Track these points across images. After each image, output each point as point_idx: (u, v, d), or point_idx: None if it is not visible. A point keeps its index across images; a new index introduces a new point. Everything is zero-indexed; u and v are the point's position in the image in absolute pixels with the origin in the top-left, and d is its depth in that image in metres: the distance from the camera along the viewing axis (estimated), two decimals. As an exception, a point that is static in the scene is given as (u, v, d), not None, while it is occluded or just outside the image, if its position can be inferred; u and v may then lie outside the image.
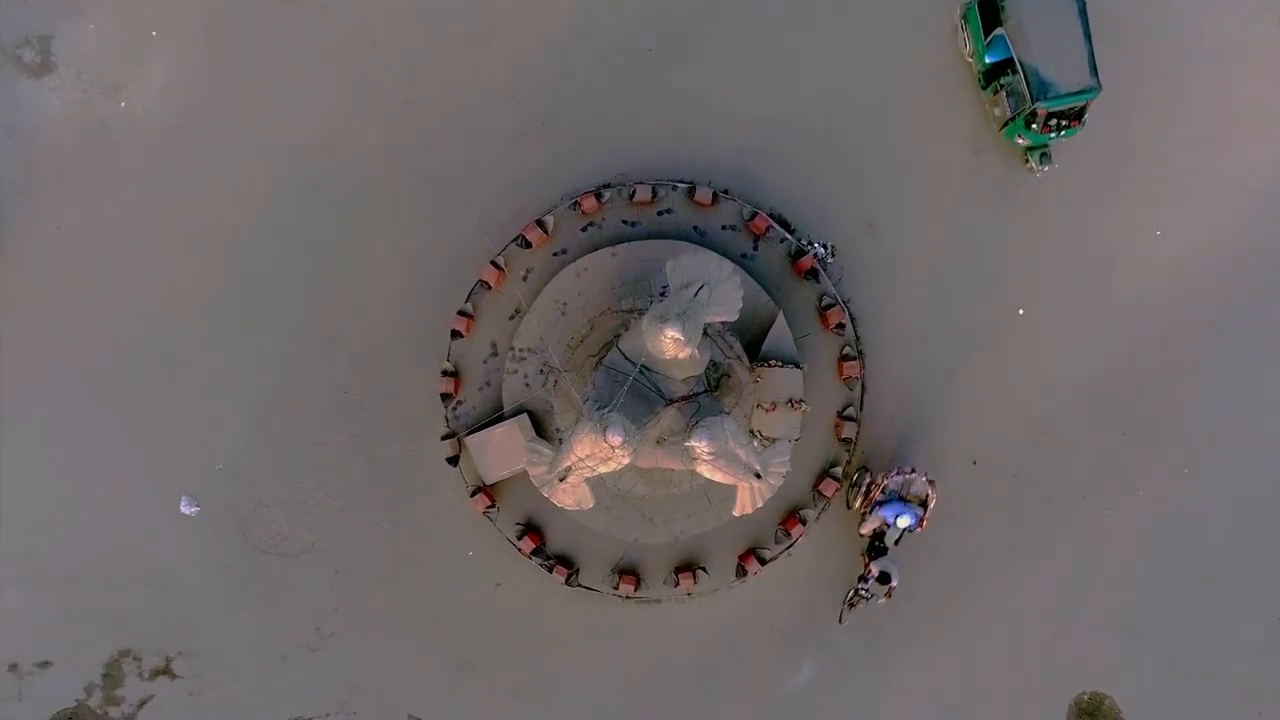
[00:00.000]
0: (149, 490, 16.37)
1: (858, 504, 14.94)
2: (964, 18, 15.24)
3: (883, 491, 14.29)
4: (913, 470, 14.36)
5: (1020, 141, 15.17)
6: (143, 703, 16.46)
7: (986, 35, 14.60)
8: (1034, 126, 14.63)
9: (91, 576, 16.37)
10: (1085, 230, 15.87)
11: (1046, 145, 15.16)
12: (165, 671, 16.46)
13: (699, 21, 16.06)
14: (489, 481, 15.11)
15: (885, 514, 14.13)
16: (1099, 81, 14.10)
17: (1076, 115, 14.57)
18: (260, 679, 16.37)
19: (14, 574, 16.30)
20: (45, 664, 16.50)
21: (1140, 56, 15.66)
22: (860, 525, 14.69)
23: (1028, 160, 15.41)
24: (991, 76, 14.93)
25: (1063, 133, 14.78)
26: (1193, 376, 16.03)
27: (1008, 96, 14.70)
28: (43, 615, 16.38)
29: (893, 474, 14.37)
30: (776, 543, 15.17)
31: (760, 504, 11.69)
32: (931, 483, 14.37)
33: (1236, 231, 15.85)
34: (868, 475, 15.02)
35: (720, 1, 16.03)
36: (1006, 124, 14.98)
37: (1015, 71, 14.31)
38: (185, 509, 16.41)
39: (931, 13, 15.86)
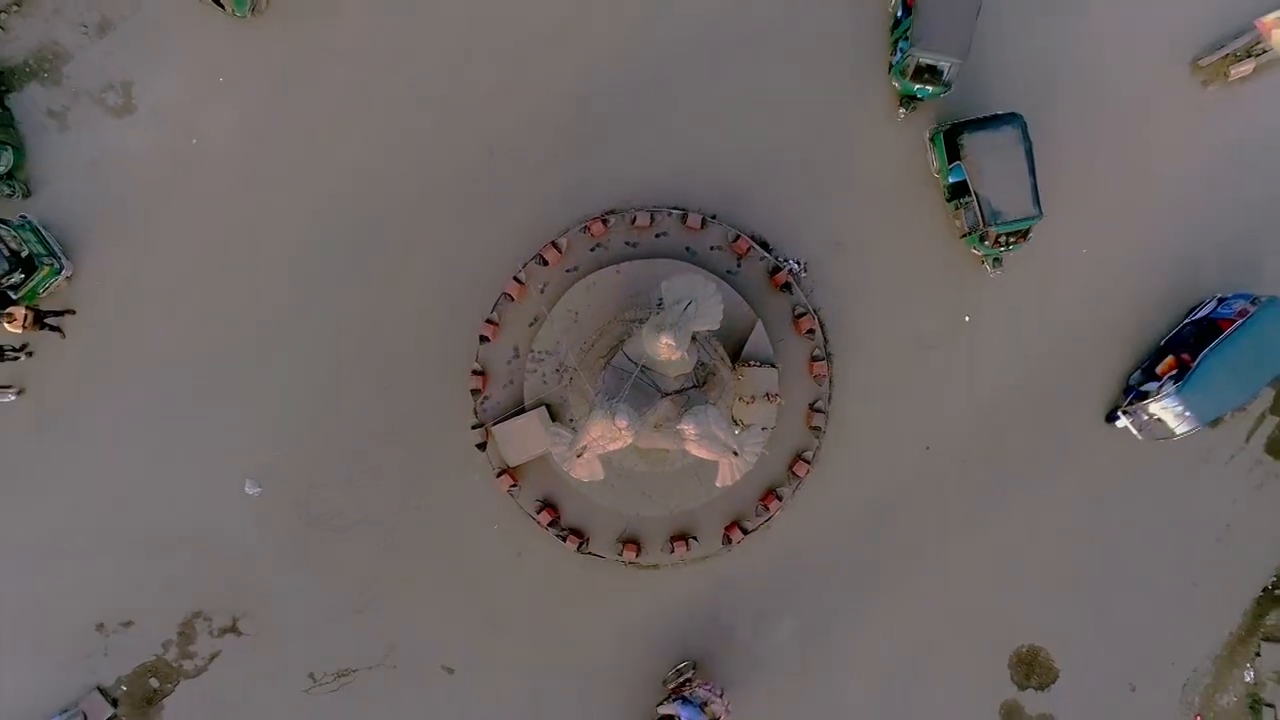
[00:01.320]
0: (218, 474, 18.95)
1: (669, 686, 17.26)
2: (931, 140, 17.75)
3: (691, 694, 16.53)
4: (721, 694, 16.62)
5: (976, 252, 17.76)
6: (212, 657, 19.06)
7: (950, 161, 17.16)
8: (987, 242, 17.28)
9: (168, 548, 18.92)
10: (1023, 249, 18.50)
11: (1001, 251, 17.62)
12: (232, 630, 19.07)
13: (690, 76, 18.59)
14: (512, 464, 17.74)
15: (682, 712, 16.30)
16: (1040, 210, 16.74)
17: (1022, 234, 17.25)
18: (313, 636, 18.93)
19: (101, 545, 18.86)
20: (128, 624, 19.07)
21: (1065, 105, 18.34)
22: (659, 705, 16.98)
23: (983, 263, 17.98)
24: (954, 191, 17.44)
25: (1010, 247, 17.42)
26: (1108, 374, 18.56)
27: (965, 214, 17.27)
28: (125, 581, 18.91)
29: (707, 686, 16.69)
30: (757, 515, 17.82)
31: (738, 476, 14.32)
32: (728, 710, 16.57)
33: (1141, 254, 18.46)
34: (692, 670, 17.39)
35: (715, 65, 18.54)
36: (965, 235, 17.53)
37: (971, 197, 16.91)
38: (249, 490, 19.00)
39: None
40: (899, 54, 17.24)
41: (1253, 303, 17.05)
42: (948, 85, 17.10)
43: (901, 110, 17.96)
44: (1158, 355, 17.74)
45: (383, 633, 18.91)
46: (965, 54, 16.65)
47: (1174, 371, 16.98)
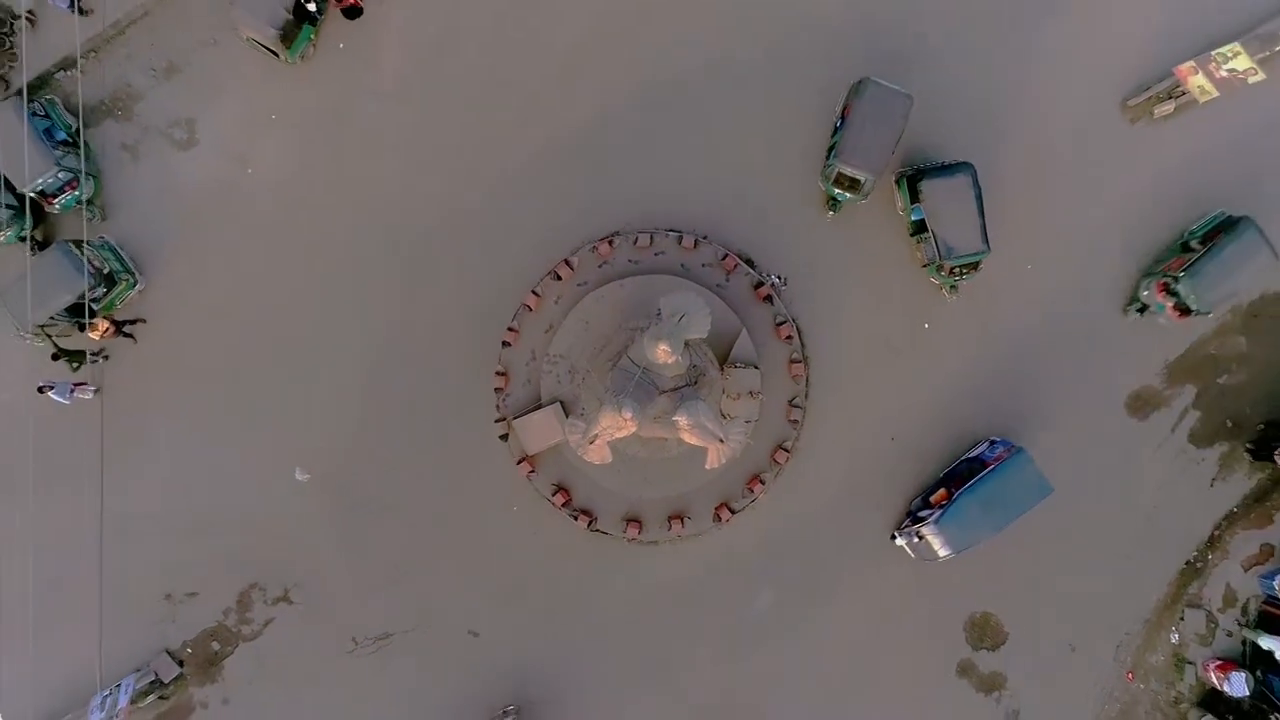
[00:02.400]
0: (271, 462, 21.57)
1: None
2: (897, 183, 20.33)
3: None
4: None
5: (934, 280, 20.38)
6: (267, 623, 21.70)
7: (912, 201, 19.73)
8: (943, 272, 19.90)
9: (228, 527, 21.54)
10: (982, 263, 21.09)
11: (956, 279, 20.25)
12: (284, 599, 21.71)
13: (684, 116, 21.18)
14: (530, 453, 20.39)
15: None
16: (988, 246, 19.33)
17: (973, 266, 19.88)
18: (356, 604, 21.51)
19: (169, 526, 21.48)
20: (192, 594, 21.70)
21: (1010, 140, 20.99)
22: None
23: (941, 289, 20.58)
24: (916, 227, 19.97)
25: (963, 277, 20.05)
26: (1047, 373, 21.14)
27: (925, 247, 19.82)
28: (191, 556, 21.50)
29: None
30: (743, 497, 20.47)
31: (724, 461, 16.98)
32: None
33: (1075, 271, 21.10)
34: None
35: (706, 107, 21.16)
36: (925, 265, 20.11)
37: (928, 234, 19.48)
38: (299, 476, 21.62)
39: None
40: (830, 159, 19.72)
41: (1009, 449, 19.51)
42: (865, 196, 19.68)
43: (829, 212, 20.56)
44: (935, 486, 20.20)
45: (415, 601, 21.50)
46: (880, 173, 19.20)
47: (944, 502, 19.30)
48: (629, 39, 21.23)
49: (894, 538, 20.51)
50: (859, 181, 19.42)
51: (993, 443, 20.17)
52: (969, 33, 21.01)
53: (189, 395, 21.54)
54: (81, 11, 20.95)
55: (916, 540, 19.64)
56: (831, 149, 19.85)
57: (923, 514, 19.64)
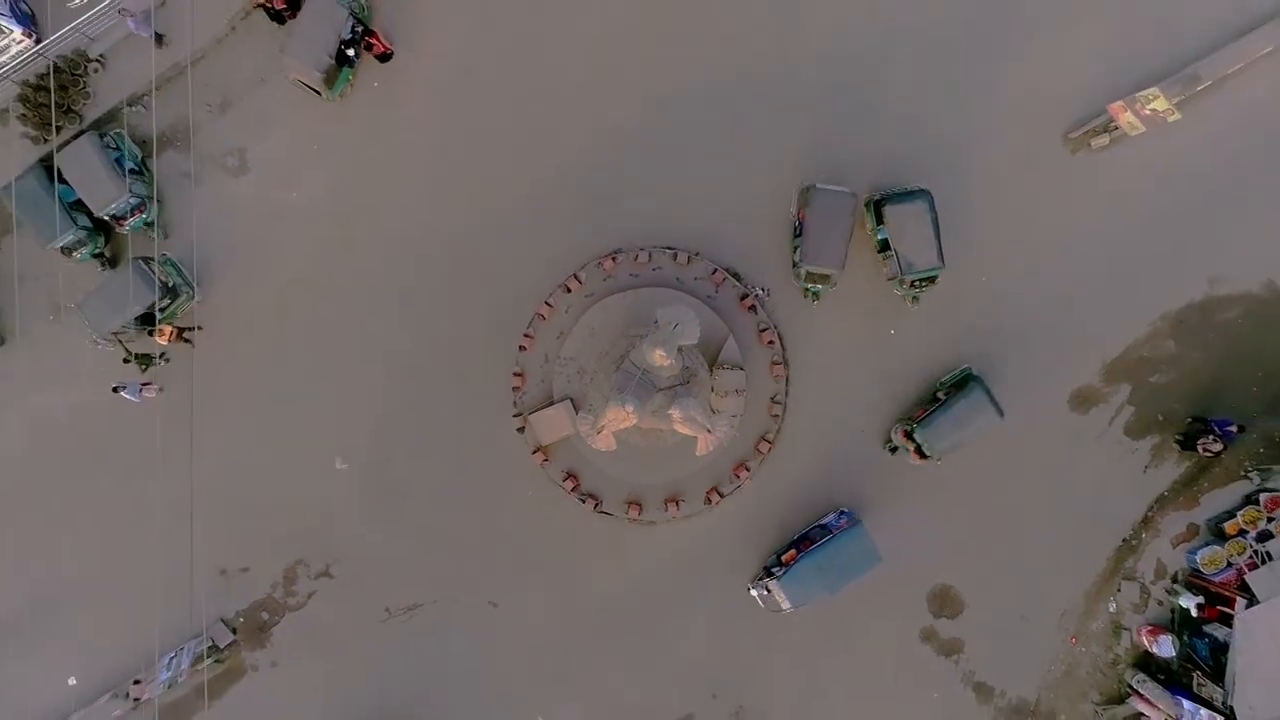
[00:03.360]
0: (314, 453, 24.39)
1: None
2: (866, 206, 23.13)
3: None
4: None
5: (897, 292, 23.17)
6: (310, 595, 24.52)
7: (878, 223, 22.55)
8: (905, 285, 22.72)
9: (276, 510, 24.34)
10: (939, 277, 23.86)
11: (917, 291, 23.07)
12: (325, 574, 24.53)
13: (678, 149, 23.94)
14: (544, 444, 23.21)
15: None
16: (943, 262, 22.13)
17: (930, 280, 22.68)
18: (388, 578, 24.32)
19: (222, 509, 24.24)
20: (245, 569, 24.54)
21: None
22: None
23: (904, 299, 23.33)
24: (882, 246, 22.74)
25: (923, 289, 22.88)
26: (1000, 372, 23.85)
27: (889, 264, 22.60)
28: (243, 537, 24.33)
29: None
30: (730, 482, 23.28)
31: (712, 448, 19.80)
32: None
33: (1023, 281, 23.92)
34: None
35: (698, 140, 23.94)
36: (890, 279, 22.88)
37: (891, 252, 22.31)
38: (339, 465, 24.45)
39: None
40: (797, 259, 22.61)
41: (850, 520, 22.53)
42: (834, 283, 22.72)
43: (812, 300, 23.45)
44: (787, 547, 23.01)
45: (441, 576, 24.33)
46: (842, 265, 22.21)
47: (791, 562, 22.12)
48: (628, 81, 24.01)
49: (749, 589, 23.29)
50: (828, 274, 22.44)
51: (840, 513, 22.99)
52: (931, 76, 23.78)
53: (240, 394, 24.34)
54: (159, 42, 23.70)
55: (765, 593, 22.57)
56: (796, 248, 22.75)
57: (774, 570, 22.48)
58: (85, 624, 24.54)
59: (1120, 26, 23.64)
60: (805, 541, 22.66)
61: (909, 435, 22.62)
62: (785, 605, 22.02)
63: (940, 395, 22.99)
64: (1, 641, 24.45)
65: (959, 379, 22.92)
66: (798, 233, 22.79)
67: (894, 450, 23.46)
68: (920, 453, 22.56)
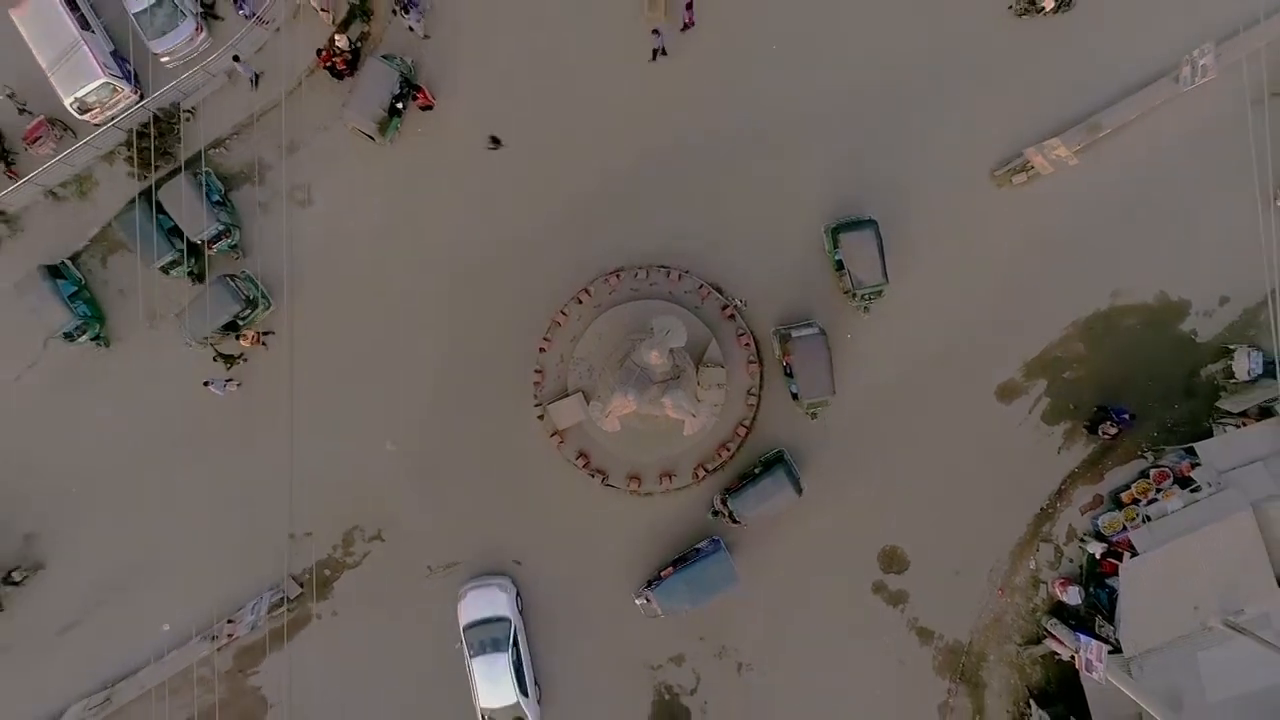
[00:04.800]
0: (367, 437, 29.22)
1: None
2: (825, 233, 27.96)
3: None
4: None
5: (853, 304, 27.98)
6: (365, 555, 29.39)
7: (835, 246, 27.34)
8: (857, 298, 27.47)
9: (335, 484, 29.09)
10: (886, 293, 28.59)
11: (868, 302, 27.90)
12: (377, 537, 29.39)
13: (672, 182, 28.73)
14: (560, 428, 28.07)
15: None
16: (888, 279, 26.88)
17: (878, 294, 27.49)
18: (430, 542, 29.08)
19: (293, 484, 29.07)
20: (309, 533, 29.36)
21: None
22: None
23: (858, 309, 28.14)
24: (839, 265, 27.49)
25: (871, 300, 27.73)
26: (937, 367, 28.69)
27: (844, 280, 27.38)
28: (308, 507, 29.11)
29: None
30: (715, 459, 28.16)
31: (697, 430, 24.69)
32: None
33: (957, 293, 28.73)
34: None
35: (692, 173, 28.80)
36: (845, 292, 27.66)
37: (845, 270, 27.14)
38: (389, 446, 29.31)
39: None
40: (794, 389, 27.37)
41: (715, 546, 27.28)
42: (828, 403, 27.47)
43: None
44: (667, 564, 27.65)
45: (474, 538, 29.09)
46: (832, 391, 26.85)
47: (666, 577, 27.10)
48: (626, 133, 28.79)
49: (635, 598, 28.06)
50: (825, 401, 27.35)
51: (711, 540, 27.74)
52: (879, 125, 28.58)
53: (307, 387, 29.10)
54: (255, 84, 28.52)
55: (645, 602, 27.50)
56: (790, 380, 27.71)
57: (653, 582, 27.47)
58: (176, 581, 29.35)
59: (1037, 82, 28.39)
60: (680, 562, 27.59)
61: (724, 502, 27.60)
62: (660, 612, 27.14)
63: (756, 470, 27.73)
64: (109, 594, 29.36)
65: (772, 458, 27.71)
66: (788, 373, 27.64)
67: (716, 514, 28.18)
68: (730, 519, 27.56)
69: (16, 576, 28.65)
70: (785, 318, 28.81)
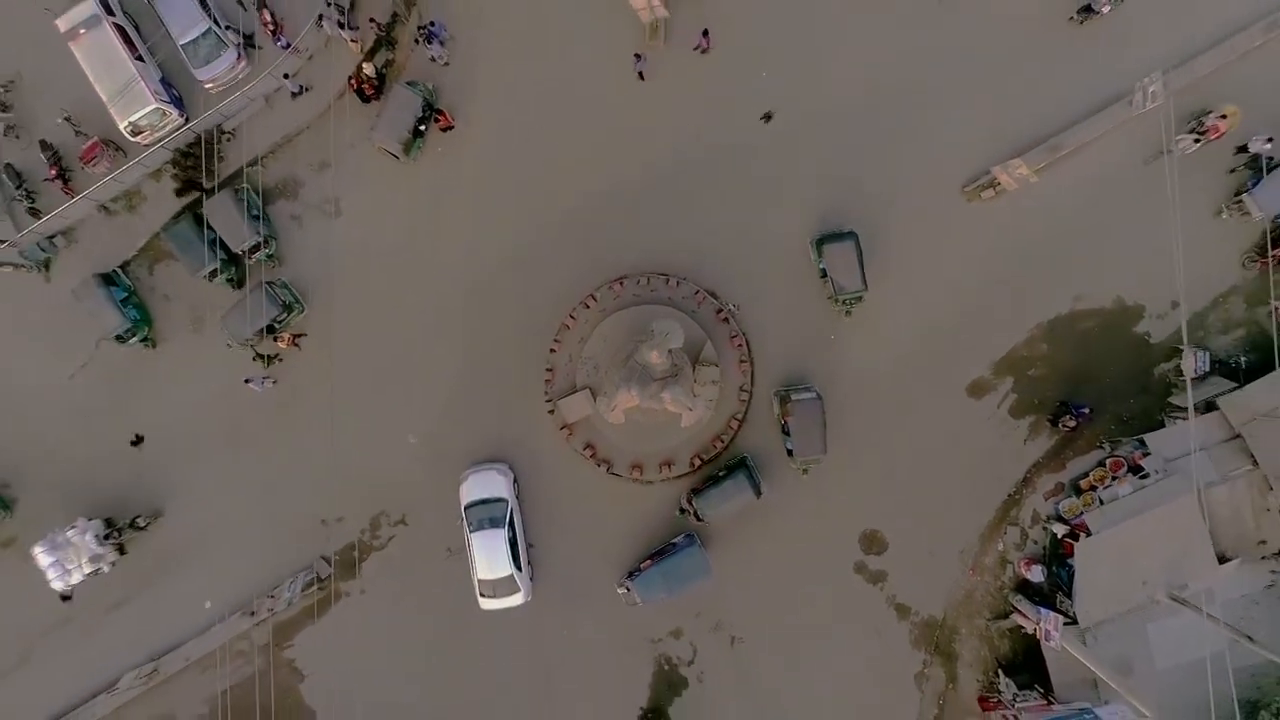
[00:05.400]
0: (391, 430, 31.92)
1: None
2: (810, 244, 30.69)
3: None
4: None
5: (835, 308, 30.65)
6: (390, 538, 32.12)
7: (820, 256, 30.02)
8: (839, 303, 30.18)
9: (362, 474, 31.75)
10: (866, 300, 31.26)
11: (849, 306, 30.59)
12: (401, 522, 32.11)
13: (670, 199, 31.44)
14: (569, 422, 30.79)
15: None
16: (866, 286, 29.58)
17: (858, 299, 30.16)
18: (448, 525, 31.65)
19: (324, 474, 31.73)
20: (339, 519, 32.11)
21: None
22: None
23: (840, 313, 30.82)
24: (823, 273, 30.21)
25: (852, 305, 30.41)
26: (913, 364, 31.37)
27: (827, 286, 30.10)
28: (339, 495, 31.83)
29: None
30: (710, 450, 30.89)
31: (693, 422, 27.44)
32: None
33: (931, 298, 31.42)
34: None
35: (689, 191, 31.46)
36: (829, 298, 30.38)
37: (829, 278, 29.86)
38: (410, 439, 32.03)
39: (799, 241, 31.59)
40: (790, 446, 29.96)
41: (690, 541, 29.92)
42: (820, 461, 30.02)
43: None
44: (647, 557, 30.35)
45: (490, 524, 31.98)
46: (824, 451, 29.41)
47: (644, 569, 29.87)
48: (626, 153, 31.46)
49: (616, 588, 30.74)
50: (816, 460, 30.03)
51: (687, 536, 30.44)
52: (861, 144, 31.28)
53: (336, 385, 31.74)
54: (302, 92, 31.18)
55: (626, 592, 30.17)
56: (786, 438, 30.19)
57: (634, 573, 30.13)
58: (216, 563, 32.08)
59: (1004, 106, 31.03)
60: (659, 555, 30.28)
61: (690, 501, 30.29)
62: (639, 601, 29.86)
63: (720, 473, 30.42)
64: (155, 575, 32.08)
65: (736, 463, 30.50)
66: (785, 431, 30.15)
67: (683, 512, 30.87)
68: (697, 516, 30.19)
69: (141, 522, 31.64)
70: (772, 319, 31.50)
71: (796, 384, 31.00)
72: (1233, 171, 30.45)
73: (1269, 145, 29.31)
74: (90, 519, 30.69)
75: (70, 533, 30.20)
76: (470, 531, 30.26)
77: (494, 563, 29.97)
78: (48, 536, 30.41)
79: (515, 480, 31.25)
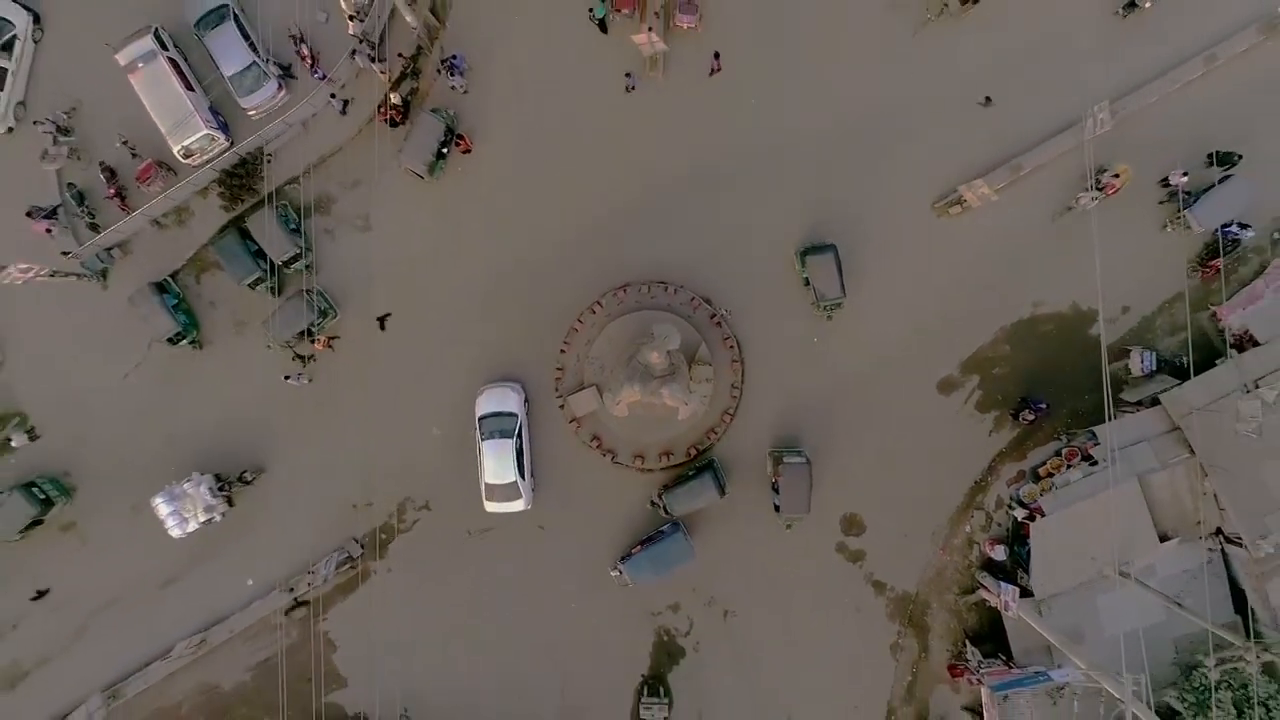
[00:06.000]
0: (417, 424, 35.24)
1: None
2: (795, 255, 34.00)
3: None
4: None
5: (817, 313, 33.96)
6: (415, 522, 35.42)
7: (803, 267, 33.34)
8: (820, 309, 33.51)
9: (391, 464, 35.05)
10: (845, 306, 34.56)
11: (830, 312, 33.94)
12: (425, 507, 35.42)
13: (667, 216, 34.83)
14: (577, 416, 34.13)
15: None
16: (845, 293, 32.90)
17: (838, 305, 33.48)
18: (467, 509, 34.93)
19: (355, 464, 35.05)
20: (369, 504, 35.42)
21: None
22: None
23: (822, 318, 34.13)
24: (806, 282, 33.51)
25: (833, 311, 33.72)
26: (887, 364, 34.70)
27: (810, 293, 33.42)
28: (368, 484, 35.20)
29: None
30: (704, 441, 34.24)
31: (689, 416, 30.85)
32: None
33: (903, 303, 34.75)
34: None
35: (686, 208, 34.84)
36: (811, 303, 33.69)
37: (811, 286, 33.20)
38: (435, 432, 35.34)
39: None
40: (778, 504, 33.32)
41: (675, 528, 33.12)
42: (802, 519, 33.47)
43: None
44: (637, 543, 33.69)
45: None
46: (807, 511, 32.67)
47: (635, 553, 33.20)
48: (628, 173, 34.78)
49: (610, 570, 34.07)
50: (800, 517, 33.27)
51: (672, 524, 33.66)
52: (840, 166, 34.60)
53: (367, 384, 35.06)
54: (346, 108, 34.53)
55: (619, 574, 33.52)
56: (775, 495, 33.63)
57: (625, 557, 33.55)
58: (257, 544, 35.38)
59: (970, 131, 34.36)
60: (647, 540, 33.72)
61: (661, 497, 33.65)
62: (629, 582, 33.27)
63: (690, 473, 33.78)
64: (201, 555, 35.38)
65: (705, 463, 33.91)
66: (775, 489, 33.59)
67: (654, 505, 34.09)
68: (666, 510, 33.58)
69: (248, 476, 34.96)
70: (761, 323, 34.83)
71: (790, 446, 34.22)
72: (1161, 203, 33.82)
73: (1184, 179, 32.83)
74: (202, 474, 33.84)
75: (186, 485, 33.40)
76: (482, 440, 33.54)
77: (501, 469, 33.30)
78: (166, 488, 33.59)
79: (526, 399, 34.46)
